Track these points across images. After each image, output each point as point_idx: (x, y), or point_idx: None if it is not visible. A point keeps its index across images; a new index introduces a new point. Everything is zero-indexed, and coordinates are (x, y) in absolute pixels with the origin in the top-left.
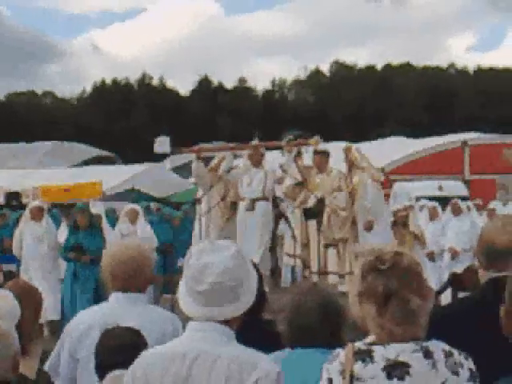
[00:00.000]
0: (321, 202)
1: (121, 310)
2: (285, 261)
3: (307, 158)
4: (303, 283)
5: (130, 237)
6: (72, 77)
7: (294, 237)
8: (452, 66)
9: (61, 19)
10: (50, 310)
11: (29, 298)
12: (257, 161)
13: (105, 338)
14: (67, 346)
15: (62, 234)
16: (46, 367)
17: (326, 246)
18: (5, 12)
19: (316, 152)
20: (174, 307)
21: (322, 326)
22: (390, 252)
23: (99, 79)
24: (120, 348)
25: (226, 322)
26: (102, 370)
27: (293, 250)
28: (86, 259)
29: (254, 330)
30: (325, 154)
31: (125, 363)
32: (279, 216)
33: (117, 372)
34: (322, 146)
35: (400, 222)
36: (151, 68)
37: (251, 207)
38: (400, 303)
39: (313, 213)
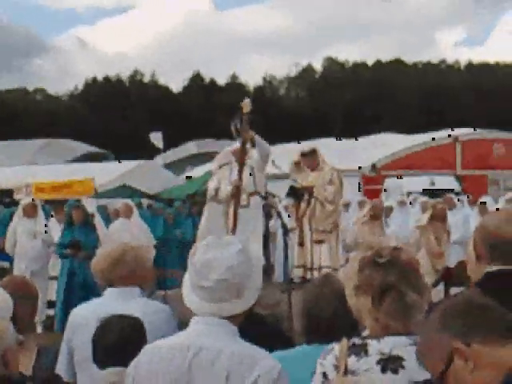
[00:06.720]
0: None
1: (115, 303)
2: (276, 256)
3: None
4: (317, 277)
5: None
6: (59, 72)
7: (286, 232)
8: (443, 61)
9: (47, 14)
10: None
11: (25, 294)
12: (241, 158)
13: (102, 330)
14: (65, 338)
15: (52, 230)
16: (57, 369)
17: (317, 242)
18: None
19: (302, 155)
20: (166, 303)
21: (341, 317)
22: (388, 247)
23: (87, 75)
24: (118, 340)
25: (230, 318)
26: (100, 361)
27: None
28: (82, 255)
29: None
30: (310, 154)
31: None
32: (270, 211)
33: (114, 369)
34: (309, 144)
35: (439, 217)
36: (140, 64)
37: (246, 203)
38: (396, 297)
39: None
